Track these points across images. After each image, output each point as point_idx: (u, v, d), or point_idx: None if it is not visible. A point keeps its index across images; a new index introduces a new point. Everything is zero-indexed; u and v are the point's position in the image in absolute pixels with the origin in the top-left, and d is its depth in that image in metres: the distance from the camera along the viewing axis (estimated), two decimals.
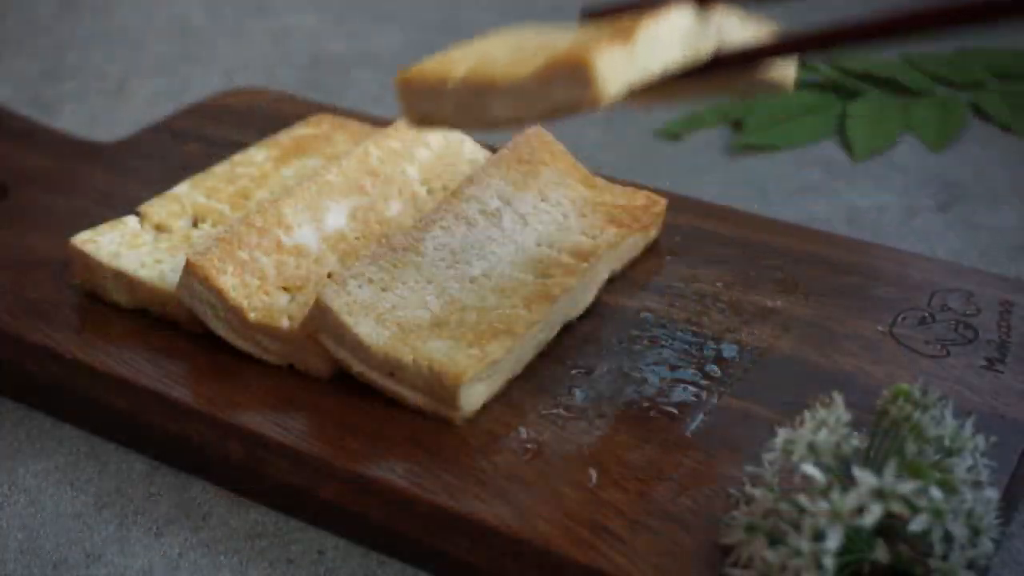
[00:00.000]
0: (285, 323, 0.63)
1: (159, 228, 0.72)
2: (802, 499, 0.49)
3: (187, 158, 0.85)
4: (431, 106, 0.54)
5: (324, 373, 0.64)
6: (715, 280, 0.71)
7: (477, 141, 0.82)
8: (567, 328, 0.67)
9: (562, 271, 0.67)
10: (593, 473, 0.57)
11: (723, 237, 0.75)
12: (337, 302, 0.61)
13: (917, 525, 0.48)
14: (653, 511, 0.55)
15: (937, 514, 0.48)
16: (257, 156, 0.79)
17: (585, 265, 0.67)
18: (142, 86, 1.10)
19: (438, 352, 0.60)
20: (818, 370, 0.64)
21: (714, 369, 0.64)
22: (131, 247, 0.70)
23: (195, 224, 0.72)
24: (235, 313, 0.64)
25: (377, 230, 0.71)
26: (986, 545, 0.49)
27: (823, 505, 0.48)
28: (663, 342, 0.66)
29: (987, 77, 1.06)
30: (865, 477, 0.48)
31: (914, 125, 0.99)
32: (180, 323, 0.68)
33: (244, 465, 0.61)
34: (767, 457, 0.53)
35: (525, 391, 0.63)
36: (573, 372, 0.64)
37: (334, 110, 0.91)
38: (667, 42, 0.51)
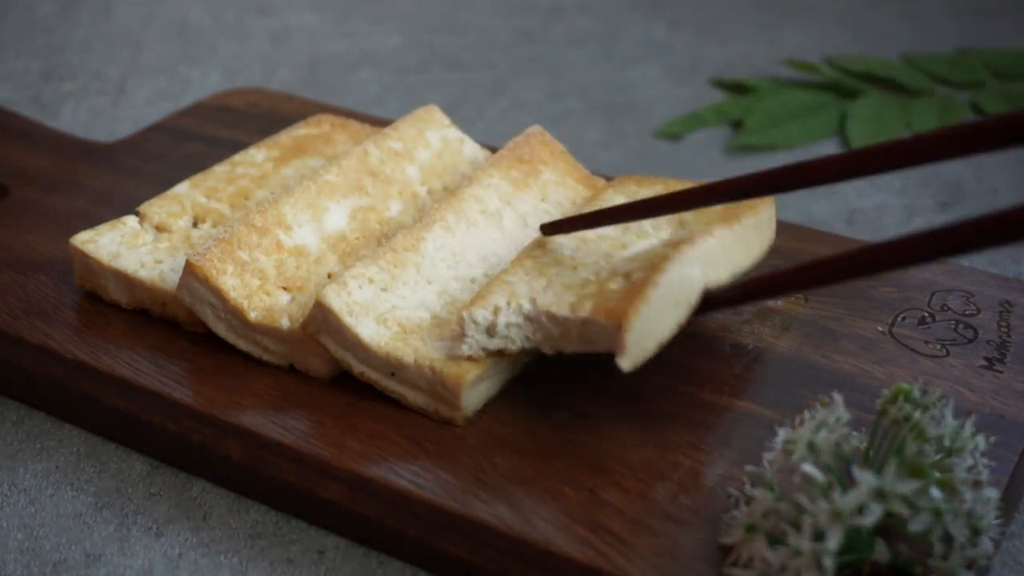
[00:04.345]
0: (285, 323, 0.63)
1: (159, 228, 0.72)
2: (802, 499, 0.49)
3: (187, 158, 0.85)
4: None
5: (324, 373, 0.64)
6: None
7: (477, 141, 0.82)
8: None
9: None
10: (593, 473, 0.57)
11: None
12: (338, 302, 0.61)
13: (917, 525, 0.48)
14: (653, 511, 0.55)
15: (937, 514, 0.49)
16: (257, 156, 0.79)
17: None
18: (142, 86, 1.10)
19: (439, 352, 0.60)
20: (818, 370, 0.64)
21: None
22: (131, 247, 0.70)
23: (195, 224, 0.72)
24: (235, 313, 0.64)
25: (377, 230, 0.71)
26: (986, 545, 0.49)
27: (823, 505, 0.48)
28: None
29: (987, 77, 1.06)
30: (865, 477, 0.48)
31: (914, 125, 0.99)
32: (180, 323, 0.68)
33: (244, 465, 0.61)
34: (767, 457, 0.53)
35: (525, 391, 0.63)
36: (573, 372, 0.64)
37: (334, 110, 0.91)
38: (678, 296, 0.59)
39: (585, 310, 0.58)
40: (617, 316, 0.56)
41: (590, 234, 0.65)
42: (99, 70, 1.13)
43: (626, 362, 0.56)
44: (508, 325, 0.60)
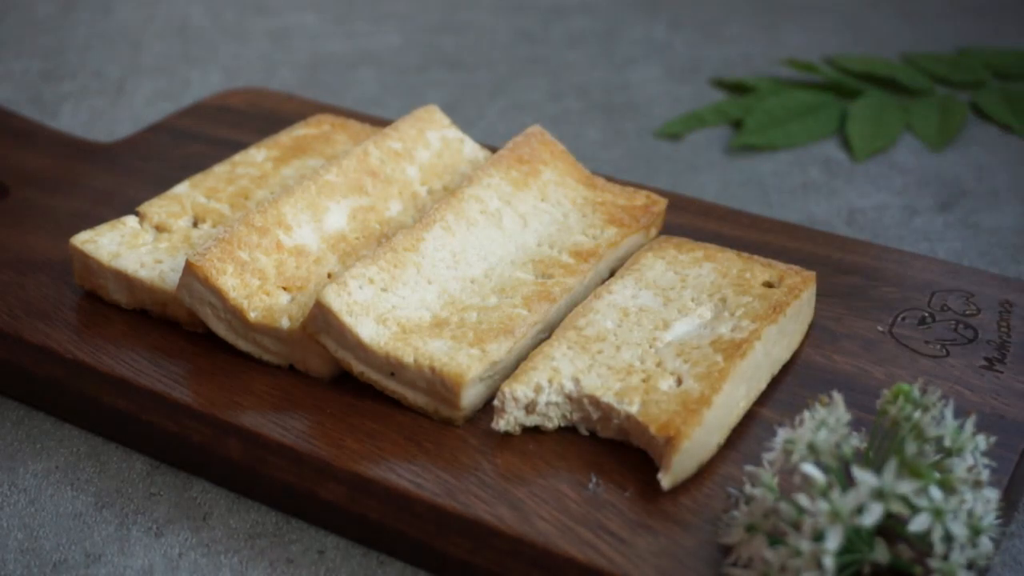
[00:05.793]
0: (285, 323, 0.63)
1: (159, 228, 0.72)
2: (802, 499, 0.49)
3: (187, 158, 0.85)
4: None
5: (324, 373, 0.64)
6: None
7: (477, 141, 0.82)
8: None
9: (562, 271, 0.67)
10: (593, 474, 0.57)
11: (723, 237, 0.75)
12: (338, 302, 0.61)
13: (917, 525, 0.48)
14: (653, 511, 0.55)
15: (937, 514, 0.49)
16: (257, 156, 0.79)
17: (586, 265, 0.68)
18: (142, 86, 1.10)
19: (439, 352, 0.60)
20: (818, 370, 0.64)
21: None
22: (131, 247, 0.70)
23: (195, 224, 0.72)
24: (235, 313, 0.64)
25: (377, 230, 0.71)
26: (986, 545, 0.49)
27: (823, 505, 0.48)
28: None
29: (987, 77, 1.06)
30: (865, 477, 0.48)
31: (914, 125, 0.99)
32: (180, 323, 0.68)
33: (244, 465, 0.61)
34: (767, 457, 0.53)
35: None
36: None
37: (334, 110, 0.91)
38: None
39: (633, 406, 0.58)
40: (668, 432, 0.56)
41: (631, 307, 0.64)
42: (99, 70, 1.13)
43: (667, 481, 0.56)
44: (548, 404, 0.59)
